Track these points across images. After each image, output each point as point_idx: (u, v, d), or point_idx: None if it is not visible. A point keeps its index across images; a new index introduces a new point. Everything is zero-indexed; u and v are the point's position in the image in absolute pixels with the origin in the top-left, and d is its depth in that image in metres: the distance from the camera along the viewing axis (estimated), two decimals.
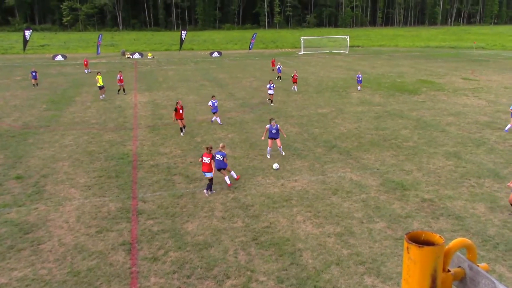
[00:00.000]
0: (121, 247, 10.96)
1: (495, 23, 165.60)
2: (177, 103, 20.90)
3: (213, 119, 22.96)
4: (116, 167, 16.56)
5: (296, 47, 73.21)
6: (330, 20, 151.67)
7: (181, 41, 62.80)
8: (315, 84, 35.98)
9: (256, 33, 72.69)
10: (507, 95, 30.01)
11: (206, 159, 13.83)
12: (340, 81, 37.26)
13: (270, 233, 11.56)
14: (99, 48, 62.09)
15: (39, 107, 27.55)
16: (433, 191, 14.15)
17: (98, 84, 29.72)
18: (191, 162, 17.07)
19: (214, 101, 22.60)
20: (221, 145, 14.67)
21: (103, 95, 30.14)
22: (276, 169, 16.11)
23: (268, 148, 17.56)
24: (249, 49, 68.30)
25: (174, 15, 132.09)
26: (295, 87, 32.56)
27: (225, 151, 14.80)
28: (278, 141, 17.51)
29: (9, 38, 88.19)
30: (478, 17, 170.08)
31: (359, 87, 32.85)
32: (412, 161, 16.99)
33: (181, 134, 20.93)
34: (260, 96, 30.85)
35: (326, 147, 18.86)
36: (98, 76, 30.00)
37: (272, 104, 27.54)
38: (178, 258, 10.41)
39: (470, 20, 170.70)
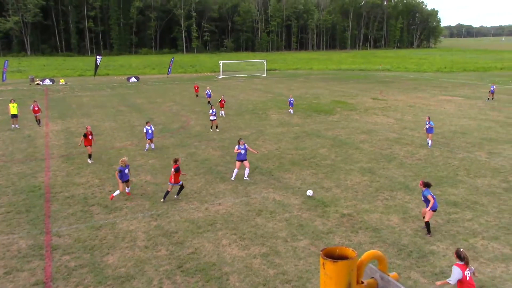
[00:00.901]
0: (34, 287, 10.11)
1: (398, 47, 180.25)
2: (86, 128, 20.52)
3: (147, 147, 22.20)
4: (26, 201, 15.38)
5: (215, 71, 73.91)
6: (248, 44, 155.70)
7: (96, 66, 60.72)
8: (235, 107, 36.45)
9: (173, 58, 72.40)
10: (411, 113, 32.54)
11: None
12: (259, 104, 38.10)
13: (196, 259, 11.34)
14: (4, 75, 58.03)
15: None
16: (351, 206, 14.80)
17: (12, 113, 27.68)
18: (109, 191, 16.34)
19: (149, 127, 21.86)
20: (120, 160, 15.36)
21: (16, 125, 28.10)
22: (310, 195, 15.56)
23: (236, 170, 17.44)
24: (168, 73, 67.72)
25: (87, 39, 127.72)
26: (223, 112, 32.10)
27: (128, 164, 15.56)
28: (246, 163, 17.41)
29: None
30: (383, 42, 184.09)
31: (291, 110, 32.97)
32: (331, 179, 17.70)
33: (89, 161, 20.17)
34: (180, 120, 30.58)
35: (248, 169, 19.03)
36: (11, 104, 27.95)
37: (217, 130, 26.67)
38: None
39: (376, 44, 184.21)
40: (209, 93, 37.62)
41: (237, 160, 17.42)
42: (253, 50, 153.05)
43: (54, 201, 15.44)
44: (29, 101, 40.28)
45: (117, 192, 15.31)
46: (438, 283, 8.68)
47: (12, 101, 28.64)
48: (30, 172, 18.85)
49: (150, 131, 21.81)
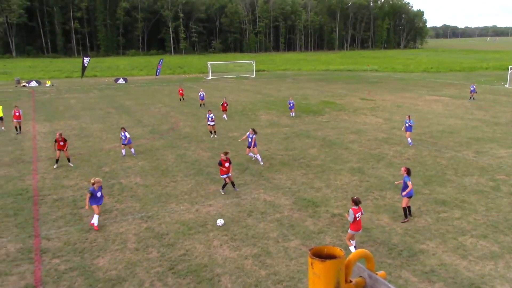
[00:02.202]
0: None
1: (385, 48, 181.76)
2: (56, 134, 19.84)
3: (124, 152, 21.33)
4: (14, 204, 15.19)
5: (203, 72, 73.78)
6: (236, 45, 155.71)
7: (83, 68, 60.21)
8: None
9: (162, 59, 72.10)
10: (400, 113, 32.83)
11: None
12: (248, 105, 38.12)
13: (187, 260, 11.31)
14: None
15: None
16: (341, 206, 14.89)
17: None
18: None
19: (123, 133, 21.01)
20: (92, 180, 13.23)
21: (3, 127, 27.73)
22: (221, 225, 13.40)
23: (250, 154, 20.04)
24: (156, 75, 67.41)
25: (74, 41, 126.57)
26: (225, 115, 31.10)
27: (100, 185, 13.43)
28: (255, 149, 19.77)
29: None
30: (370, 42, 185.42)
31: (292, 113, 31.81)
32: (321, 179, 17.78)
33: (55, 166, 19.56)
34: (170, 122, 30.47)
35: (238, 169, 19.05)
36: None
37: (215, 136, 25.47)
38: None
39: (363, 45, 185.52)
40: (202, 95, 36.94)
41: (247, 147, 20.12)
42: (241, 51, 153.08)
43: (43, 204, 15.27)
44: (16, 103, 39.83)
45: (96, 217, 13.19)
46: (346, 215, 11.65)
47: None
48: (17, 175, 18.62)
49: (123, 138, 20.93)
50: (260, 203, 15.22)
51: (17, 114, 26.54)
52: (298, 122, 29.82)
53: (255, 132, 20.03)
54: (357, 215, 11.26)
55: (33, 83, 57.05)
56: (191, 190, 16.56)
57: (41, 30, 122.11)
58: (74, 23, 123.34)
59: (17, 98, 43.54)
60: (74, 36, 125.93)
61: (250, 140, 19.83)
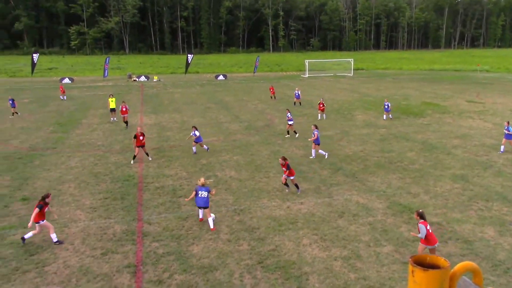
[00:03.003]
0: (126, 269, 10.87)
1: (498, 46, 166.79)
2: (137, 129, 20.39)
3: (195, 149, 21.32)
4: (122, 189, 16.56)
5: (300, 70, 73.85)
6: (334, 43, 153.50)
7: (187, 64, 63.54)
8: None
9: (259, 56, 73.44)
10: None
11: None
12: (345, 104, 37.41)
13: (276, 256, 11.45)
14: (106, 71, 62.88)
15: (46, 129, 27.77)
16: (441, 214, 14.02)
17: (110, 107, 29.97)
18: (196, 184, 17.02)
19: (194, 131, 21.01)
20: (201, 180, 13.42)
21: (115, 118, 30.34)
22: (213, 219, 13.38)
23: (313, 150, 20.57)
24: (254, 72, 68.96)
25: (180, 39, 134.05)
26: (324, 115, 30.59)
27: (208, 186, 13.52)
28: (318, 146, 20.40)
29: (17, 62, 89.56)
30: (481, 40, 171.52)
31: (390, 115, 30.06)
32: (419, 184, 16.89)
33: (132, 161, 19.95)
34: (265, 119, 30.99)
35: (331, 169, 18.82)
36: (110, 99, 30.32)
37: (296, 135, 25.17)
38: (183, 281, 10.30)
39: (473, 43, 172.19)
40: (297, 93, 36.80)
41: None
42: (340, 49, 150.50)
43: (146, 190, 16.44)
44: (126, 96, 43.35)
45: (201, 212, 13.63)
46: (412, 233, 11.09)
47: (111, 96, 30.95)
48: (125, 162, 20.25)
49: (193, 135, 20.98)
50: (353, 205, 14.89)
51: (123, 109, 28.05)
52: (397, 124, 28.59)
53: (316, 127, 20.56)
54: (428, 227, 10.52)
55: (142, 78, 61.56)
56: (283, 187, 16.70)
57: (151, 29, 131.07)
58: (180, 22, 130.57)
59: (128, 92, 47.31)
60: (180, 34, 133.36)
61: (313, 135, 20.33)
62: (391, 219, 13.65)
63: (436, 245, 10.60)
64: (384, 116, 30.34)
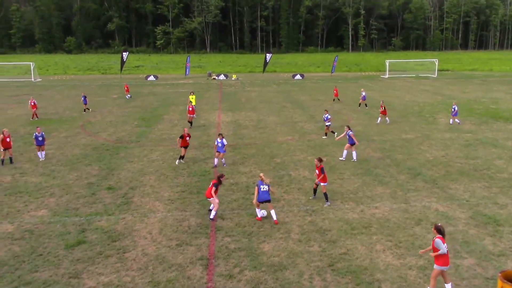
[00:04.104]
0: (199, 261, 11.24)
1: None
2: (184, 130, 20.14)
3: (216, 162, 19.40)
4: (198, 183, 17.13)
5: (380, 71, 71.60)
6: (418, 43, 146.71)
7: (265, 64, 64.20)
8: (400, 108, 34.78)
9: (337, 56, 72.22)
10: None
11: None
12: (427, 106, 35.67)
13: (347, 260, 11.21)
14: (187, 69, 65.40)
15: (131, 123, 29.50)
16: None
17: (192, 103, 31.17)
18: (269, 182, 17.14)
19: (220, 139, 19.15)
20: (261, 175, 13.85)
21: (194, 115, 31.47)
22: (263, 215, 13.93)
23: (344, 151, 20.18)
24: (332, 72, 68.00)
25: (259, 38, 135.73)
26: (387, 118, 29.00)
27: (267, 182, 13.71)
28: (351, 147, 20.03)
29: (109, 60, 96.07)
30: None
31: (457, 120, 28.02)
32: (507, 194, 15.66)
33: (177, 162, 19.75)
34: (342, 119, 30.43)
35: (410, 174, 18.04)
36: (191, 96, 31.54)
37: (324, 137, 24.87)
38: (253, 278, 10.43)
39: None
40: (364, 95, 35.66)
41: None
42: (424, 49, 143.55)
43: (221, 186, 16.84)
44: (206, 93, 44.82)
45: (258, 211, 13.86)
46: (422, 251, 10.07)
47: (192, 93, 32.14)
48: (202, 157, 20.93)
49: (220, 145, 19.10)
50: (431, 212, 14.16)
51: (190, 109, 28.18)
52: (484, 129, 26.73)
53: (349, 128, 20.37)
54: (445, 245, 9.32)
55: (222, 77, 63.23)
56: (357, 190, 16.32)
57: (232, 28, 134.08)
58: (260, 21, 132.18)
59: (207, 90, 48.87)
60: (259, 33, 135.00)
61: (348, 136, 20.10)
62: (474, 230, 12.79)
63: (447, 267, 9.46)
64: (451, 120, 28.43)
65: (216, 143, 19.21)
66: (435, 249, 9.37)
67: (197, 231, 13.01)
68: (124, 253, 11.70)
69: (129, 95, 42.34)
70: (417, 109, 34.42)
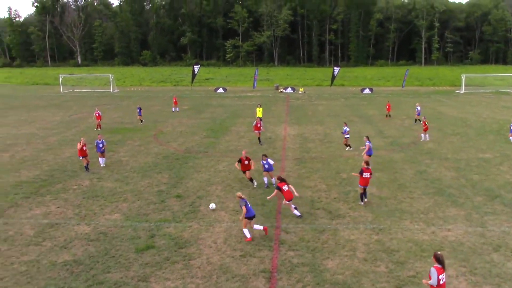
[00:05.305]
0: (261, 274, 11.25)
1: None
2: (242, 153, 18.76)
3: (266, 181, 18.57)
4: (263, 196, 17.21)
5: (455, 85, 68.25)
6: (498, 56, 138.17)
7: (333, 77, 63.59)
8: (477, 125, 32.88)
9: (408, 70, 69.86)
10: None
11: (366, 174, 15.76)
12: (507, 124, 33.36)
13: (416, 283, 10.68)
14: (255, 82, 66.35)
15: (200, 134, 30.38)
16: None
17: (257, 116, 31.60)
18: (335, 198, 16.89)
19: (265, 161, 18.18)
20: (239, 193, 13.80)
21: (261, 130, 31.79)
22: (212, 209, 15.62)
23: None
24: (402, 86, 65.89)
25: (327, 51, 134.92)
26: (427, 135, 27.55)
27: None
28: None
29: (181, 72, 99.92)
30: None
31: None
32: None
33: (254, 184, 18.47)
34: (413, 135, 29.31)
35: (487, 196, 16.93)
36: (258, 109, 32.01)
37: (346, 149, 24.86)
38: None
39: None
40: (418, 110, 34.30)
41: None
42: (504, 62, 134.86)
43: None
44: (273, 106, 45.17)
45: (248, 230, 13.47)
46: (424, 281, 9.19)
47: (259, 105, 32.55)
48: None
49: (266, 166, 18.20)
50: (511, 238, 13.16)
51: (258, 125, 26.86)
52: None
53: (368, 139, 20.77)
54: (440, 277, 8.67)
55: (289, 90, 63.45)
56: (428, 210, 15.56)
57: (300, 42, 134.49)
58: (329, 35, 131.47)
59: (274, 103, 49.22)
60: (328, 47, 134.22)
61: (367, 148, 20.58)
62: None
63: None
64: None
65: (262, 164, 18.35)
66: (430, 277, 8.83)
67: (260, 243, 13.04)
68: (190, 260, 11.99)
69: (176, 109, 42.05)
70: (496, 126, 32.34)
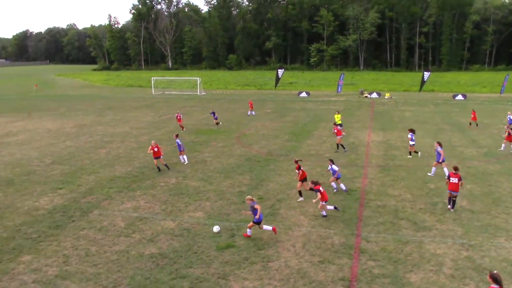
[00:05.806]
0: (340, 282, 11.04)
1: None
2: (297, 164, 17.94)
3: (334, 186, 18.34)
4: (343, 202, 16.89)
5: None
6: None
7: (422, 82, 60.71)
8: None
9: (508, 75, 64.54)
10: None
11: (454, 179, 15.48)
12: None
13: None
14: (340, 87, 65.35)
15: (282, 137, 30.56)
16: None
17: (337, 122, 31.19)
18: (420, 209, 16.09)
19: (331, 166, 18.04)
20: (248, 197, 13.96)
21: (344, 133, 31.30)
22: (217, 231, 14.22)
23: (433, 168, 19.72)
24: (501, 93, 61.06)
25: (416, 55, 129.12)
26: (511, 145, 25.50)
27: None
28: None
29: (265, 76, 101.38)
30: None
31: None
32: None
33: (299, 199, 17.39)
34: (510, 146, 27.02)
35: None
36: (336, 115, 31.60)
37: (409, 156, 24.35)
38: None
39: None
40: (510, 119, 31.44)
41: None
42: None
43: (367, 207, 16.36)
44: (357, 111, 44.18)
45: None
46: None
47: (338, 112, 32.09)
48: (349, 176, 20.59)
49: (331, 171, 18.08)
50: None
51: (335, 131, 26.27)
52: None
53: (440, 144, 20.09)
54: None
55: (374, 95, 61.60)
56: None
57: (388, 46, 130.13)
58: (419, 38, 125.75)
59: (359, 108, 48.09)
60: (417, 50, 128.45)
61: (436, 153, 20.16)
62: None
63: None
64: None
65: (329, 169, 18.33)
66: None
67: (340, 250, 12.81)
68: (268, 262, 12.11)
69: (252, 112, 42.03)
70: None
